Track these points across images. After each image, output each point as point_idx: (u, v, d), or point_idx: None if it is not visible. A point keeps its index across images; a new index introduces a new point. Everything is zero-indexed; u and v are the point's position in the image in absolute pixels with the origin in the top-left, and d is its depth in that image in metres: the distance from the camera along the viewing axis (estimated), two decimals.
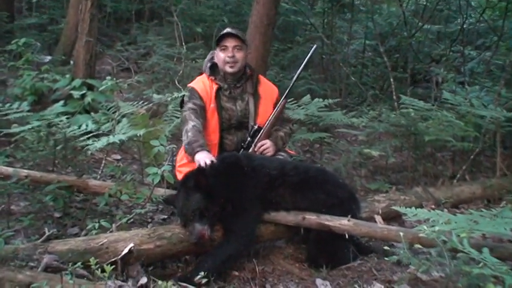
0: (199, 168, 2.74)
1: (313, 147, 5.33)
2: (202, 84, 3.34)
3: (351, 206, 2.83)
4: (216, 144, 3.31)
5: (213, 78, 3.33)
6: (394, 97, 5.33)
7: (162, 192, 3.09)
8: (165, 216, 3.42)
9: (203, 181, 2.67)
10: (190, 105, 3.25)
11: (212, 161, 2.83)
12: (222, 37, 3.27)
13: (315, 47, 3.47)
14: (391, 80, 5.60)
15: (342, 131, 4.94)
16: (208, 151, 3.00)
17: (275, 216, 2.81)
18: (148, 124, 3.41)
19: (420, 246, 2.34)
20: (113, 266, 2.29)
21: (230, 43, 3.26)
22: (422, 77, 7.88)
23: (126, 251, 2.42)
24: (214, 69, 3.38)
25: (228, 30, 3.30)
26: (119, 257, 2.40)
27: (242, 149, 3.31)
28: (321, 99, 4.77)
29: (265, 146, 3.32)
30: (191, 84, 3.37)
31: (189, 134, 3.08)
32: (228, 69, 3.28)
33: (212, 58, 3.39)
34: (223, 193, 2.70)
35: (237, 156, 2.95)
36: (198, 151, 2.95)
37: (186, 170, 2.96)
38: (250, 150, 3.31)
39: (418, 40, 7.58)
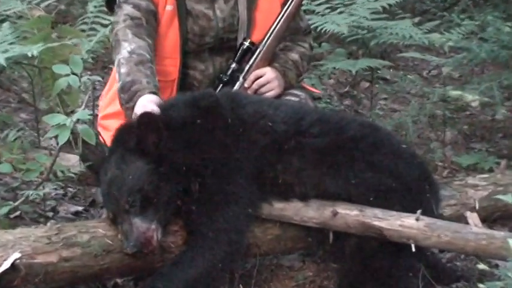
0: (148, 115, 2.73)
1: (357, 87, 5.33)
2: None
3: (422, 195, 2.85)
4: (174, 80, 3.34)
5: None
6: None
7: (73, 161, 3.09)
8: (80, 208, 3.45)
9: (153, 138, 2.68)
10: (127, 9, 3.22)
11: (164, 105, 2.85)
12: None
13: None
14: None
15: (410, 56, 4.90)
16: (157, 94, 3.01)
17: (282, 210, 2.84)
18: (51, 36, 3.37)
19: None
20: None
21: None
22: None
23: (6, 265, 2.43)
24: None
25: None
26: None
27: (221, 86, 3.34)
28: None
29: (265, 78, 3.33)
30: None
31: (123, 70, 3.09)
32: None
33: None
34: (186, 163, 2.71)
35: (214, 97, 2.96)
36: (140, 96, 2.97)
37: (115, 124, 2.98)
38: (237, 86, 3.33)
39: None
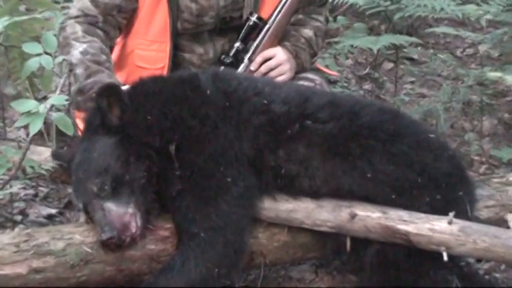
0: (107, 85, 2.77)
1: (378, 69, 5.33)
2: None
3: (455, 194, 2.84)
4: (164, 67, 3.37)
5: None
6: None
7: (46, 155, 3.08)
8: (53, 210, 3.46)
9: (116, 110, 2.72)
10: (84, 3, 3.25)
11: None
12: None
13: None
14: None
15: (442, 32, 4.88)
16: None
17: (291, 213, 2.82)
18: (18, 8, 3.36)
19: None
20: None
21: None
22: None
23: None
24: None
25: None
26: None
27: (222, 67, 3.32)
28: None
29: (275, 61, 3.35)
30: None
31: (79, 71, 3.14)
32: None
33: None
34: (157, 135, 2.74)
35: (191, 71, 3.02)
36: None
37: None
38: (241, 69, 3.34)
39: None
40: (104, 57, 3.16)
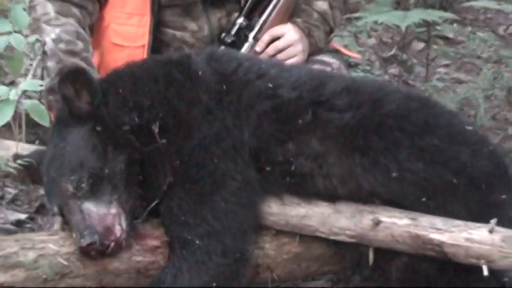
0: (69, 70, 2.78)
1: (407, 49, 5.32)
2: None
3: (496, 197, 2.82)
4: (144, 45, 3.37)
5: None
6: None
7: (14, 151, 3.07)
8: (23, 215, 3.48)
9: (84, 95, 2.72)
10: None
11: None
12: None
13: None
14: None
15: (481, 6, 4.88)
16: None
17: (304, 219, 2.81)
18: None
19: None
20: None
21: None
22: None
23: None
24: None
25: None
26: None
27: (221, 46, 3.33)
28: None
29: (284, 41, 3.35)
30: None
31: (51, 64, 3.15)
32: None
33: None
34: (137, 118, 2.76)
35: (184, 54, 3.00)
36: None
37: None
38: (245, 49, 3.34)
39: None
40: (80, 44, 3.16)
